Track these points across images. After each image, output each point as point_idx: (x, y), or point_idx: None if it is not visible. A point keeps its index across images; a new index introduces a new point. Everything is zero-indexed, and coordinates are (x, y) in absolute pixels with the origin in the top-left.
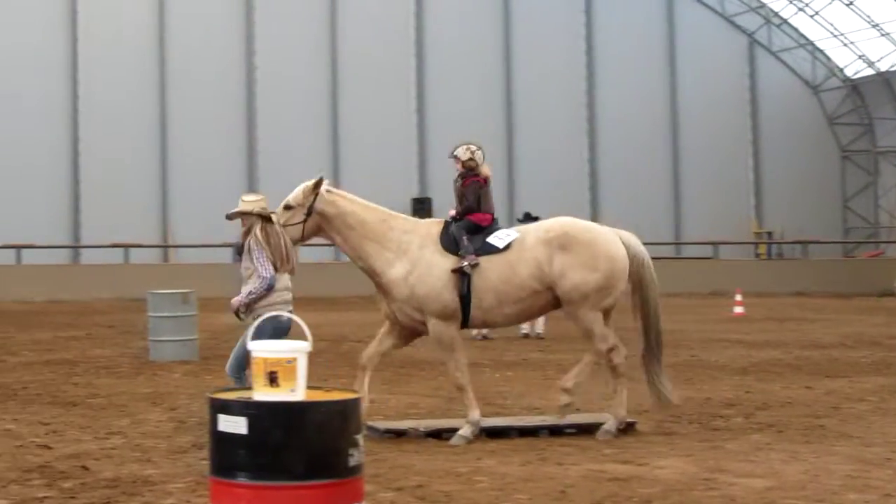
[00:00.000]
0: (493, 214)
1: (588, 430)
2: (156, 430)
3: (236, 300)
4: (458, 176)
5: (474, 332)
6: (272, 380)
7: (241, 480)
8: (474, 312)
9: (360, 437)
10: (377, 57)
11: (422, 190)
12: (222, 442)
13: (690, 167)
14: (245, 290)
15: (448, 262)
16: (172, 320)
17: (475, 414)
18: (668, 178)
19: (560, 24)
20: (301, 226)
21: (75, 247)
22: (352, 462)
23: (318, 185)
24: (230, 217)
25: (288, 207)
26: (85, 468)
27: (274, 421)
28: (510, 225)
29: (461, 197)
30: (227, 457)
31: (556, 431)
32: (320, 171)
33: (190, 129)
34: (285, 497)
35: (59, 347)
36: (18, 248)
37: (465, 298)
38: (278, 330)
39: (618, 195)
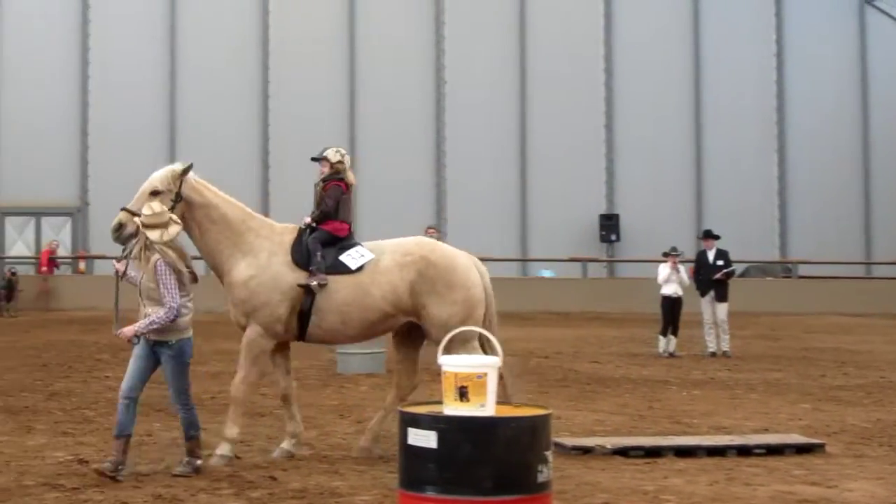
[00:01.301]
0: (349, 225)
1: (777, 451)
2: (343, 443)
3: (131, 329)
4: (321, 179)
5: (661, 349)
6: (462, 394)
7: (430, 494)
8: (313, 330)
9: (549, 454)
10: (565, 72)
11: (609, 206)
12: (412, 455)
13: (882, 185)
14: (147, 317)
15: (294, 276)
16: None
17: (234, 431)
18: (858, 196)
19: (749, 35)
20: None
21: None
22: (540, 478)
23: (186, 170)
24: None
25: (156, 193)
26: (273, 478)
27: (464, 435)
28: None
29: (320, 201)
30: (417, 470)
31: (743, 452)
32: (508, 185)
33: (378, 149)
34: None
35: None
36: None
37: (304, 315)
38: (188, 354)
39: (807, 213)
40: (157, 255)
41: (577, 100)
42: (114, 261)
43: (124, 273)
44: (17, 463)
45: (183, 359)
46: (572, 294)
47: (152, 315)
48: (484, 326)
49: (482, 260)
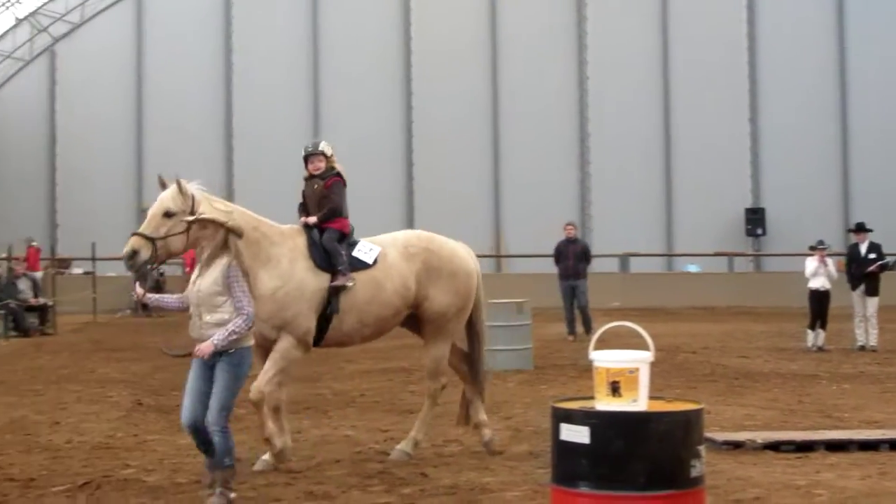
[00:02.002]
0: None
1: None
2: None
3: (209, 346)
4: (315, 176)
5: (809, 343)
6: (614, 390)
7: (583, 489)
8: (332, 334)
9: (701, 448)
10: (709, 64)
11: (755, 200)
12: (564, 451)
13: None
14: (222, 327)
15: (318, 280)
16: (507, 329)
17: (275, 439)
18: None
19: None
20: (185, 236)
21: (668, 255)
22: (693, 473)
23: (180, 186)
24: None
25: (169, 215)
26: (424, 475)
27: (616, 431)
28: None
29: (322, 199)
30: (569, 466)
31: None
32: (652, 180)
33: (521, 144)
34: None
35: (395, 356)
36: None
37: (325, 318)
38: (248, 366)
39: None
40: (227, 259)
41: (720, 92)
42: (136, 289)
43: (142, 296)
44: (170, 461)
45: (241, 370)
46: (718, 289)
47: (230, 325)
48: (474, 317)
49: (628, 255)
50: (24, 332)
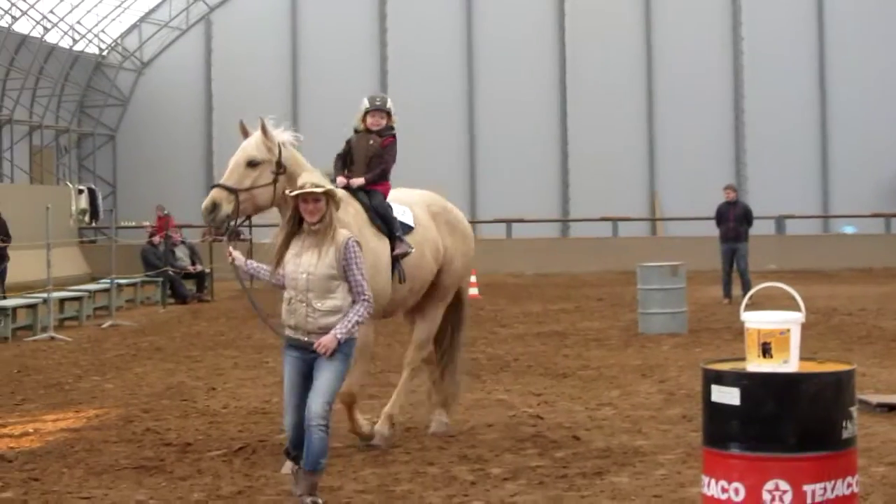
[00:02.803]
0: None
1: None
2: (645, 402)
3: (332, 339)
4: (373, 132)
5: None
6: (765, 351)
7: (734, 451)
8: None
9: (853, 409)
10: (866, 17)
11: None
12: (715, 412)
13: None
14: (336, 316)
15: (385, 247)
16: (662, 293)
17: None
18: None
19: None
20: (272, 188)
21: (565, 220)
22: (845, 434)
23: (265, 131)
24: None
25: (254, 163)
26: (576, 438)
27: (767, 392)
28: None
29: (374, 158)
30: (720, 427)
31: None
32: (808, 141)
33: (676, 107)
34: (778, 468)
35: (550, 319)
36: (509, 222)
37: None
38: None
39: None
40: (347, 233)
41: (879, 51)
42: (229, 249)
43: (233, 258)
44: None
45: (349, 361)
46: (875, 250)
47: (351, 315)
48: (463, 295)
49: (784, 217)
50: (181, 299)
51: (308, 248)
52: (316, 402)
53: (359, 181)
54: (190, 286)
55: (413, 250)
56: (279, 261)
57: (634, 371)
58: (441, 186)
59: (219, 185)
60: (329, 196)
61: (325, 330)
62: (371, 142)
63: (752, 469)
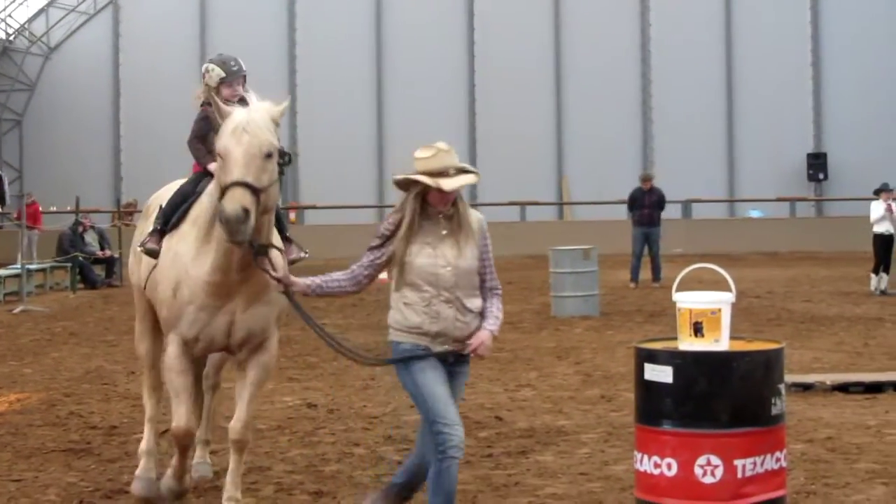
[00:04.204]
0: None
1: None
2: (564, 383)
3: (489, 337)
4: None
5: (873, 287)
6: (697, 330)
7: (667, 428)
8: None
9: (781, 387)
10: (771, 10)
11: (817, 145)
12: (648, 390)
13: None
14: (475, 315)
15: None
16: (574, 276)
17: None
18: None
19: None
20: (278, 185)
21: (473, 205)
22: (774, 411)
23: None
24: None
25: (270, 154)
26: (499, 419)
27: (699, 370)
28: None
29: None
30: (653, 405)
31: None
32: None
33: (585, 92)
34: (710, 444)
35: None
36: None
37: None
38: None
39: None
40: (479, 214)
41: (783, 38)
42: (280, 273)
43: (289, 283)
44: None
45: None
46: (781, 234)
47: (495, 311)
48: None
49: (691, 202)
50: (91, 284)
51: (442, 238)
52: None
53: None
54: (99, 271)
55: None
56: (400, 259)
57: (550, 353)
58: (352, 171)
59: (244, 184)
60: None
61: (469, 338)
62: None
63: (685, 445)
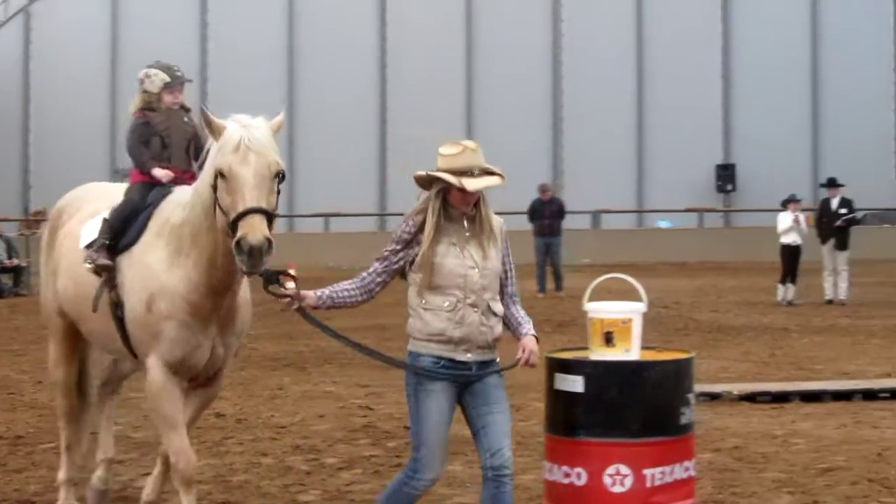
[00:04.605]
0: None
1: None
2: None
3: (534, 342)
4: (178, 109)
5: (780, 297)
6: (608, 340)
7: (577, 437)
8: None
9: (691, 396)
10: (682, 23)
11: (726, 156)
12: (559, 400)
13: None
14: (519, 314)
15: None
16: None
17: None
18: None
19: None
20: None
21: (381, 215)
22: (684, 420)
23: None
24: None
25: (279, 175)
26: (407, 428)
27: (610, 379)
28: None
29: (193, 142)
30: (564, 414)
31: (869, 396)
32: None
33: (496, 102)
34: (620, 453)
35: (376, 313)
36: (327, 216)
37: None
38: None
39: None
40: (501, 220)
41: (694, 50)
42: (293, 293)
43: (302, 300)
44: None
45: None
46: (689, 244)
47: (522, 315)
48: None
49: (600, 212)
50: None
51: (467, 239)
52: (506, 449)
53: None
54: (6, 280)
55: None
56: (429, 260)
57: None
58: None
59: (261, 211)
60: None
61: (492, 346)
62: (186, 119)
63: (595, 454)
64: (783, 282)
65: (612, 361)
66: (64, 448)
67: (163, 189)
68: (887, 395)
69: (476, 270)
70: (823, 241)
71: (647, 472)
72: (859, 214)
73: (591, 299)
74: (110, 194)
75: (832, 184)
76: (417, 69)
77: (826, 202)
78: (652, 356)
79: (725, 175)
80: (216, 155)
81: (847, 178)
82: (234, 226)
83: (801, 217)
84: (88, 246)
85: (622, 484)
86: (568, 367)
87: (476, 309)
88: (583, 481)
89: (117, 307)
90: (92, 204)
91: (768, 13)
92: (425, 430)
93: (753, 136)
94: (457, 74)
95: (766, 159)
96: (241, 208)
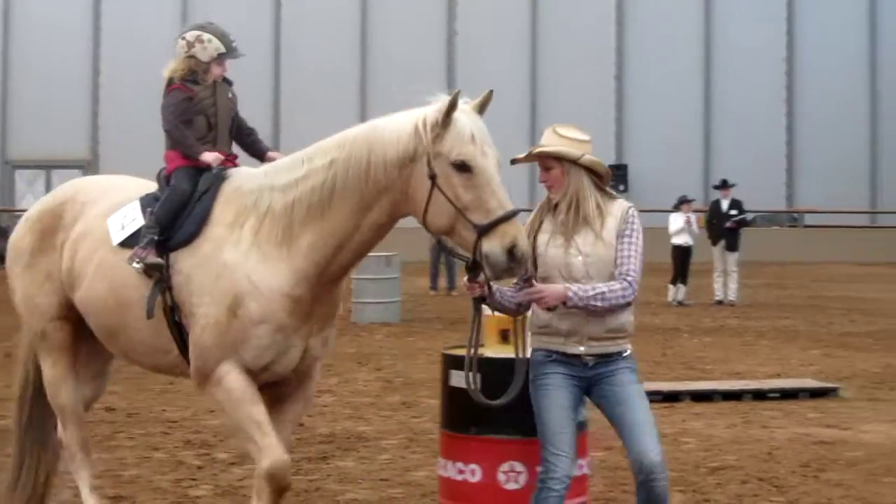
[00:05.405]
0: None
1: (792, 395)
2: (364, 389)
3: (560, 290)
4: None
5: (671, 297)
6: (503, 337)
7: (472, 434)
8: None
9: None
10: (577, 24)
11: (618, 156)
12: (454, 397)
13: (889, 135)
14: (595, 285)
15: None
16: (376, 283)
17: None
18: (865, 146)
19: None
20: None
21: None
22: (578, 418)
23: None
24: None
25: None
26: (300, 424)
27: (505, 377)
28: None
29: (235, 120)
30: (459, 411)
31: (759, 396)
32: (516, 134)
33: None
34: (514, 450)
35: None
36: None
37: None
38: None
39: (814, 163)
40: (627, 203)
41: (587, 50)
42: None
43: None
44: None
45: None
46: None
47: (602, 286)
48: None
49: None
50: None
51: (571, 229)
52: (654, 445)
53: (276, 155)
54: None
55: None
56: (531, 254)
57: (350, 359)
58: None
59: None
60: (561, 158)
61: (609, 339)
62: (231, 95)
63: (489, 451)
64: (674, 282)
65: (507, 359)
66: (89, 490)
67: (209, 174)
68: (776, 395)
69: (580, 258)
70: (714, 242)
71: None
72: (749, 216)
73: None
74: (123, 187)
75: (724, 185)
76: (311, 69)
77: (717, 203)
78: None
79: (617, 175)
80: (459, 145)
81: (738, 180)
82: (485, 228)
83: (693, 218)
84: (123, 244)
85: (516, 481)
86: (463, 363)
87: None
88: (477, 478)
89: (173, 311)
90: (109, 197)
91: (662, 15)
92: (545, 429)
93: (645, 137)
94: (350, 71)
95: (658, 160)
96: (499, 210)
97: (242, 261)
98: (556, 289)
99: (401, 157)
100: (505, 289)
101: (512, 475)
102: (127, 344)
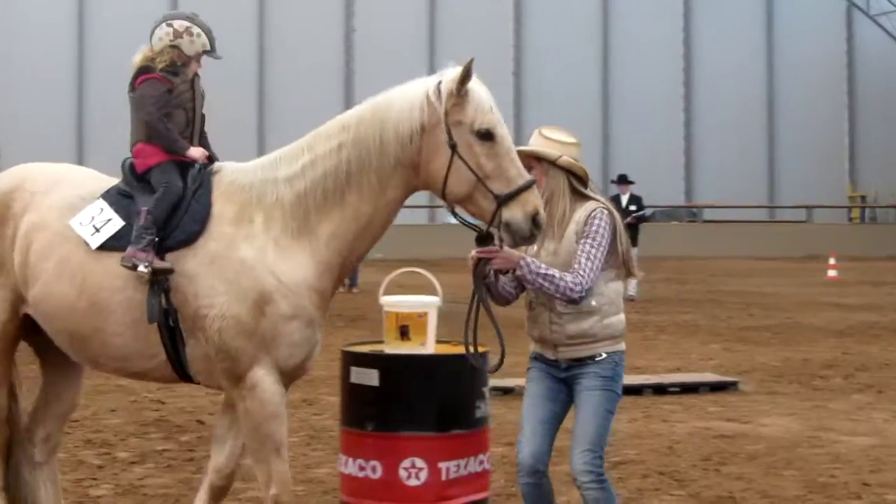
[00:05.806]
0: None
1: (692, 389)
2: None
3: (512, 255)
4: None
5: None
6: (403, 333)
7: (372, 430)
8: None
9: (486, 390)
10: (476, 20)
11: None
12: (354, 393)
13: (786, 131)
14: (551, 268)
15: None
16: None
17: None
18: (762, 141)
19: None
20: None
21: (432, 207)
22: (479, 414)
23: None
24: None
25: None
26: (200, 422)
27: (406, 373)
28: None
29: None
30: (359, 408)
31: (659, 390)
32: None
33: (288, 105)
34: (415, 446)
35: None
36: None
37: None
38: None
39: (712, 159)
40: (596, 204)
41: (485, 47)
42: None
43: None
44: None
45: (615, 386)
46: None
47: (552, 271)
48: None
49: None
50: None
51: (548, 229)
52: (575, 455)
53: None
54: None
55: None
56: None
57: None
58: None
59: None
60: (542, 159)
61: (576, 343)
62: (202, 91)
63: (389, 448)
64: None
65: (408, 355)
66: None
67: (194, 170)
68: (677, 389)
69: (549, 259)
70: None
71: (443, 465)
72: (648, 211)
73: (386, 293)
74: (73, 179)
75: (623, 180)
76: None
77: (616, 199)
78: (447, 350)
79: None
80: (481, 116)
81: (637, 175)
82: (506, 197)
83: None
84: (106, 246)
85: (417, 477)
86: (363, 360)
87: (545, 306)
88: (378, 474)
89: (167, 314)
90: (60, 189)
91: (560, 12)
92: (524, 421)
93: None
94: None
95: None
96: (519, 179)
97: (261, 257)
98: (511, 253)
99: (415, 129)
100: (504, 278)
101: (413, 471)
102: (99, 349)
